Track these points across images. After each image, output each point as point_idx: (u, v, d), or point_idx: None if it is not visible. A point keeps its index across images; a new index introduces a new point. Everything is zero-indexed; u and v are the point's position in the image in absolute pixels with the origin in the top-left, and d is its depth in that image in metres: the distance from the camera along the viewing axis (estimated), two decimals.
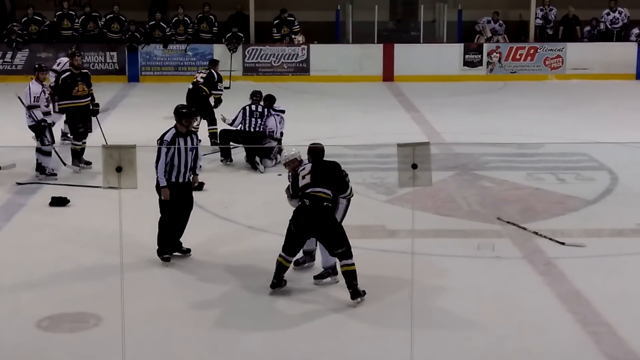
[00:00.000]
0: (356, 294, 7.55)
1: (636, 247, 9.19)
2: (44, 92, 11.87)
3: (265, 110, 12.68)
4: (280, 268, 7.77)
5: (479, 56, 21.60)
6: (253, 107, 12.66)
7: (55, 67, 13.77)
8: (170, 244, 8.63)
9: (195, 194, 11.02)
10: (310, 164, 7.90)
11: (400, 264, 8.69)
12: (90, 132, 12.38)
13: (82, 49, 20.85)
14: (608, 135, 14.73)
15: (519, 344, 6.88)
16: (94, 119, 12.45)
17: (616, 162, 12.65)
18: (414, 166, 5.53)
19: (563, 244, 9.14)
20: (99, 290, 7.91)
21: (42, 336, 7.02)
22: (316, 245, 8.15)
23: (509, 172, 12.25)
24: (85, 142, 12.26)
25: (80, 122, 12.18)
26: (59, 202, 10.72)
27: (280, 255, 7.78)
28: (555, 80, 21.43)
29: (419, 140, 5.98)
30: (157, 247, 8.62)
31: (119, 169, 4.89)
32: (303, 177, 7.82)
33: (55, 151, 12.09)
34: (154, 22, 21.48)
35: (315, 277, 8.05)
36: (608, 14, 22.11)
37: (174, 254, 8.68)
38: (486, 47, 21.60)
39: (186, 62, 21.27)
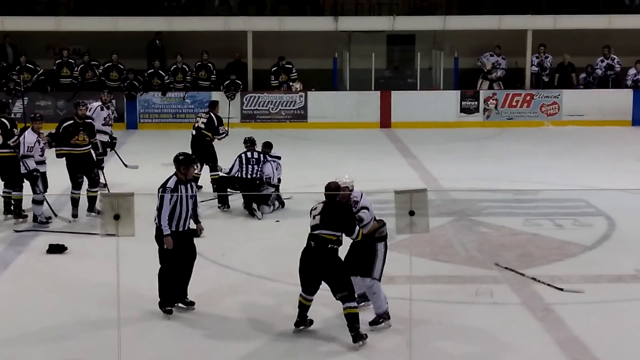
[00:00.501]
0: (358, 337, 7.56)
1: (635, 293, 9.17)
2: (39, 142, 11.93)
3: (261, 156, 12.73)
4: (302, 307, 7.89)
5: (476, 103, 21.74)
6: (249, 154, 12.72)
7: (87, 112, 13.04)
8: (172, 295, 8.44)
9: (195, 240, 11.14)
10: (322, 204, 7.87)
11: (398, 309, 8.69)
12: (99, 179, 12.54)
13: (81, 97, 20.99)
14: (605, 181, 14.78)
15: None
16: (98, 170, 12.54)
17: (614, 208, 12.67)
18: (412, 213, 5.56)
19: (561, 289, 9.12)
20: (95, 342, 7.85)
21: None
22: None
23: (507, 218, 12.27)
24: (96, 191, 12.15)
25: (80, 171, 12.19)
26: (56, 249, 10.71)
27: (300, 295, 7.90)
28: (551, 127, 21.53)
29: (417, 187, 6.00)
30: (158, 299, 8.47)
31: (116, 217, 4.91)
32: (314, 217, 7.79)
33: (47, 201, 12.06)
34: (152, 70, 21.64)
35: (370, 323, 8.04)
36: (602, 61, 22.30)
37: (178, 305, 8.49)
38: (483, 94, 21.75)
39: (184, 109, 21.40)
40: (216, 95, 21.26)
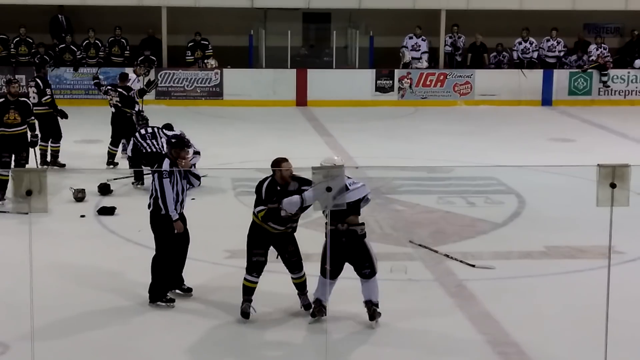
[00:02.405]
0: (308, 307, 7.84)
1: (544, 269, 9.42)
2: None
3: (156, 130, 12.63)
4: (249, 290, 7.84)
5: (391, 82, 21.90)
6: (142, 130, 12.64)
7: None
8: (169, 282, 8.12)
9: (107, 218, 11.03)
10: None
11: (313, 287, 8.75)
12: (26, 162, 11.80)
13: None
14: (516, 159, 15.10)
15: None
16: (31, 150, 12.02)
17: (524, 186, 12.97)
18: (328, 189, 5.59)
19: (473, 266, 9.32)
20: (5, 318, 7.72)
21: None
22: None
23: (421, 196, 12.44)
24: (6, 175, 11.57)
25: (7, 151, 11.62)
26: None
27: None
28: (464, 106, 21.85)
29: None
30: (148, 293, 8.08)
31: (28, 193, 4.79)
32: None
33: None
34: (64, 45, 21.19)
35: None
36: (520, 44, 22.70)
37: (175, 291, 8.21)
38: (397, 73, 21.90)
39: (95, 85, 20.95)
40: (130, 72, 20.96)
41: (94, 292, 8.43)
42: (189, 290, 8.29)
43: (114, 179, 12.71)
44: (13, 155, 11.69)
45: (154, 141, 12.47)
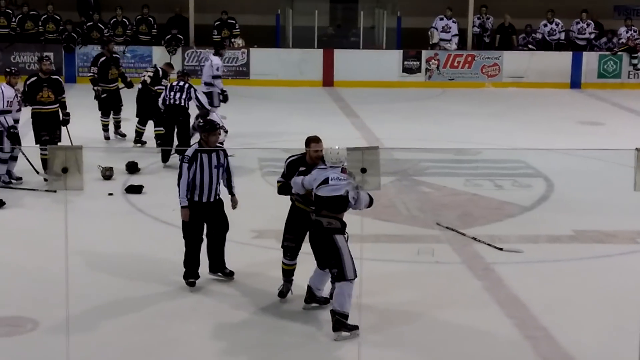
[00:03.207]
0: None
1: (572, 253, 9.35)
2: (17, 97, 11.38)
3: (187, 85, 12.80)
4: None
5: (418, 63, 21.79)
6: (174, 83, 12.93)
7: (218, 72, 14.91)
8: (195, 267, 7.99)
9: (135, 197, 11.07)
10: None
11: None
12: (59, 141, 11.78)
13: (18, 49, 20.67)
14: (543, 142, 15.00)
15: (459, 348, 6.96)
16: (63, 128, 11.97)
17: (552, 169, 12.86)
18: (363, 170, 5.53)
19: (501, 249, 9.26)
20: (36, 294, 7.78)
21: None
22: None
23: (448, 178, 12.38)
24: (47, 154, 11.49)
25: (44, 129, 11.62)
26: None
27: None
28: (492, 88, 21.71)
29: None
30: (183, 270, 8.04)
31: (64, 170, 4.79)
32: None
33: (27, 159, 11.79)
34: (91, 22, 21.24)
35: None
36: (545, 25, 22.49)
37: (218, 274, 8.14)
38: (425, 54, 21.79)
39: (124, 63, 20.90)
40: (157, 50, 21.05)
41: (123, 271, 8.47)
42: (231, 274, 8.15)
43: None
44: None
45: (178, 94, 12.66)
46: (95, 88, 14.40)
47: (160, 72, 13.93)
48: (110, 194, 11.19)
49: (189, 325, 7.24)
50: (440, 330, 7.29)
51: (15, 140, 11.39)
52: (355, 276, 7.05)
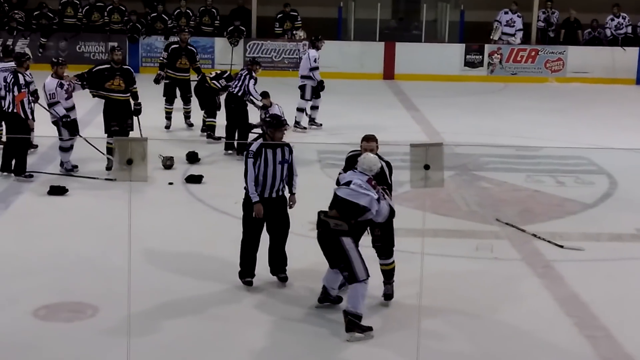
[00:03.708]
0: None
1: (634, 252, 9.19)
2: (62, 86, 11.51)
3: (244, 72, 13.06)
4: None
5: (480, 57, 21.60)
6: (239, 71, 13.31)
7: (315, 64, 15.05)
8: (252, 265, 7.84)
9: (195, 186, 11.16)
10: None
11: (400, 262, 8.71)
12: (132, 129, 11.87)
13: (83, 39, 20.99)
14: (607, 139, 14.74)
15: (517, 346, 6.89)
16: (135, 118, 12.00)
17: (615, 166, 12.64)
18: (427, 167, 5.48)
19: (562, 247, 9.14)
20: (96, 281, 7.90)
21: (38, 325, 7.00)
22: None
23: (508, 174, 12.25)
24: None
25: (115, 118, 11.66)
26: (57, 191, 10.73)
27: None
28: (555, 83, 21.43)
29: (432, 141, 5.91)
30: (238, 269, 7.91)
31: (129, 162, 4.84)
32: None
33: (92, 144, 11.92)
34: (155, 14, 21.47)
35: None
36: (612, 20, 22.09)
37: (278, 275, 7.94)
38: (487, 48, 21.58)
39: (196, 59, 21.16)
40: (219, 42, 21.19)
41: (182, 260, 8.54)
42: (284, 279, 7.95)
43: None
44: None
45: (237, 82, 12.96)
46: (159, 72, 14.55)
47: (225, 74, 13.93)
48: (171, 183, 11.30)
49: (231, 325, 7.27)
50: (498, 328, 7.21)
51: (72, 128, 11.58)
52: (368, 276, 6.95)
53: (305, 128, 15.10)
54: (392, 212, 7.25)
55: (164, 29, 21.29)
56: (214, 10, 21.85)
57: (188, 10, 21.67)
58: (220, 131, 13.38)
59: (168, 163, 11.98)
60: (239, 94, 12.88)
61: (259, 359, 6.62)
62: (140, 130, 12.30)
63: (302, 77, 15.17)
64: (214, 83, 13.59)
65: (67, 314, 7.22)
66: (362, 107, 17.59)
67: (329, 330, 7.05)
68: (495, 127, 15.76)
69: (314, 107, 15.35)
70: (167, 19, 21.41)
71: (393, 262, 7.65)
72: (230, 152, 12.88)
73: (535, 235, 9.45)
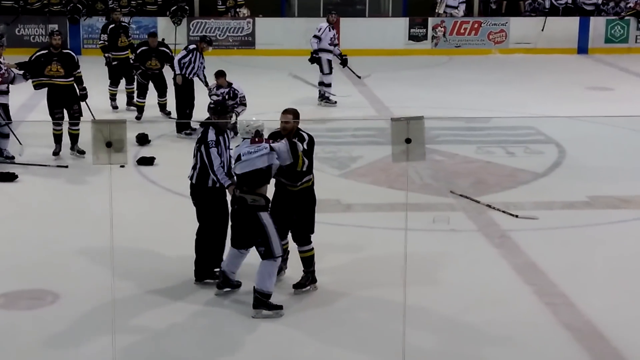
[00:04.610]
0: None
1: (587, 219, 9.35)
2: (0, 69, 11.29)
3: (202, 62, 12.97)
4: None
5: (424, 30, 21.67)
6: (199, 54, 12.95)
7: (317, 32, 15.34)
8: (214, 260, 7.55)
9: (147, 168, 11.06)
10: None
11: (357, 237, 8.76)
12: (80, 115, 11.57)
13: (22, 22, 20.58)
14: (552, 109, 14.93)
15: (479, 316, 6.96)
16: (82, 103, 11.72)
17: (563, 135, 12.82)
18: (408, 140, 5.49)
19: (516, 216, 9.25)
20: (53, 267, 7.80)
21: None
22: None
23: (459, 146, 12.34)
24: (77, 129, 11.51)
25: (59, 105, 11.43)
26: (6, 177, 10.54)
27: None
28: (498, 55, 21.60)
29: (413, 115, 5.85)
30: (194, 272, 7.55)
31: (109, 145, 4.76)
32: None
33: (11, 130, 11.56)
34: None
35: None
36: None
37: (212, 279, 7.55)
38: (431, 22, 21.66)
39: (129, 34, 20.87)
40: (162, 21, 20.94)
41: (139, 244, 8.45)
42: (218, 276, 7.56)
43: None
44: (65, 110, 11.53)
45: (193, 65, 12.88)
46: (106, 55, 14.39)
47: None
48: (122, 166, 11.14)
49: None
50: (460, 298, 7.29)
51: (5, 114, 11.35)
52: (282, 254, 6.93)
53: (335, 102, 15.33)
54: (292, 147, 6.99)
55: (105, 10, 20.95)
56: None
57: None
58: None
59: (93, 148, 11.76)
60: (190, 75, 12.78)
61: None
62: (91, 113, 12.11)
63: (315, 51, 15.37)
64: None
65: (27, 302, 7.12)
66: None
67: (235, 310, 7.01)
68: (442, 99, 15.85)
69: (325, 84, 15.45)
70: None
71: (311, 249, 7.39)
72: (182, 134, 12.75)
73: (489, 206, 9.55)
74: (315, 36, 15.40)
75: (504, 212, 9.37)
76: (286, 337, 6.62)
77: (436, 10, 21.88)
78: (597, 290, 7.48)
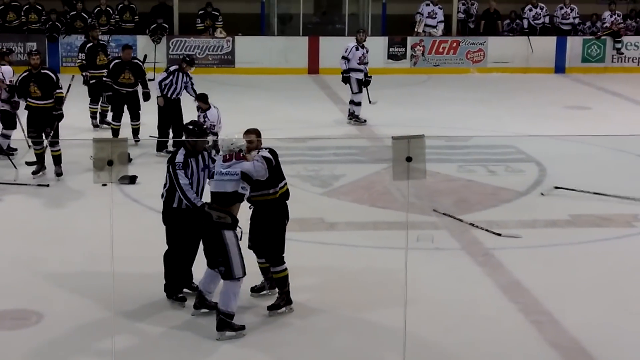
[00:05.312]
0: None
1: (570, 237, 9.40)
2: None
3: (188, 79, 13.01)
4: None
5: (403, 49, 21.77)
6: (181, 74, 12.97)
7: (344, 53, 15.41)
8: (181, 279, 7.57)
9: (129, 187, 11.02)
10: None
11: (341, 255, 8.77)
12: (48, 137, 11.44)
13: (0, 40, 20.45)
14: (531, 127, 15.02)
15: (464, 335, 6.98)
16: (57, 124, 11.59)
17: (543, 154, 12.91)
18: (409, 159, 5.52)
19: (499, 235, 9.29)
20: (39, 287, 7.73)
21: None
22: None
23: (440, 164, 12.38)
24: (57, 149, 11.46)
25: (32, 125, 11.37)
26: None
27: None
28: (477, 74, 21.72)
29: (414, 134, 5.88)
30: (164, 284, 7.56)
31: (109, 163, 4.73)
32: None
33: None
34: (75, 12, 21.06)
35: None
36: (530, 10, 22.53)
37: (184, 290, 7.59)
38: (410, 40, 21.77)
39: (109, 52, 20.82)
40: (142, 39, 20.91)
41: (124, 262, 8.38)
42: (196, 288, 7.48)
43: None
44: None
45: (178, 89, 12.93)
46: (84, 74, 14.34)
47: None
48: (104, 185, 11.08)
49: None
50: (445, 316, 7.31)
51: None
52: (244, 274, 6.87)
53: (365, 121, 15.27)
54: (267, 162, 7.10)
55: (84, 28, 20.88)
56: (133, 6, 21.56)
57: (108, 8, 21.29)
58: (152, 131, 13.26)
59: (94, 166, 11.73)
60: (172, 95, 12.77)
61: None
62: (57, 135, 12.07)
63: (344, 70, 15.36)
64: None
65: (10, 322, 7.06)
66: (289, 101, 17.60)
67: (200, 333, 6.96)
68: (423, 118, 15.90)
69: (355, 103, 15.42)
70: (86, 17, 21.01)
71: (284, 270, 7.32)
72: (163, 152, 12.71)
73: (472, 224, 9.59)
74: (343, 57, 15.42)
75: (487, 230, 9.42)
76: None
77: (415, 30, 22.00)
78: (581, 307, 7.52)
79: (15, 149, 12.27)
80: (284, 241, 7.35)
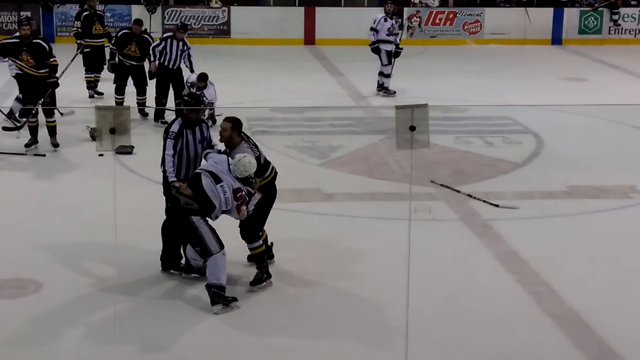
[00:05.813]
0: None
1: (567, 208, 9.41)
2: None
3: (186, 47, 12.92)
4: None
5: (400, 20, 21.63)
6: (175, 41, 12.80)
7: (372, 25, 15.23)
8: (177, 252, 7.55)
9: (126, 157, 10.99)
10: None
11: (339, 226, 8.77)
12: (54, 106, 11.42)
13: None
14: (528, 99, 14.95)
15: (462, 305, 6.99)
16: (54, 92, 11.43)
17: (540, 125, 12.90)
18: (412, 128, 5.49)
19: (497, 206, 9.29)
20: (37, 257, 7.72)
21: None
22: None
23: (438, 136, 12.31)
24: (52, 120, 11.35)
25: (29, 95, 11.18)
26: None
27: None
28: (473, 45, 21.66)
29: (417, 103, 5.84)
30: (160, 261, 7.52)
31: (112, 131, 4.68)
32: None
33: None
34: None
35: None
36: None
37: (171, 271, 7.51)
38: (406, 12, 21.67)
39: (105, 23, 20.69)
40: (136, 9, 20.78)
41: (119, 233, 8.36)
42: (182, 269, 7.50)
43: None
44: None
45: (175, 56, 12.80)
46: (79, 41, 14.25)
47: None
48: (101, 155, 11.06)
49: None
50: (443, 287, 7.31)
51: None
52: (222, 247, 6.81)
53: (394, 92, 15.18)
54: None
55: None
56: None
57: None
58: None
59: (96, 134, 11.70)
60: (170, 64, 12.69)
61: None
62: (58, 111, 12.00)
63: (373, 42, 15.19)
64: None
65: (9, 291, 7.05)
66: (286, 72, 17.53)
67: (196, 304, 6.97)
68: (420, 89, 15.85)
69: (384, 74, 15.31)
70: None
71: (260, 246, 7.27)
72: (159, 122, 12.67)
73: (470, 196, 9.58)
74: (371, 28, 15.26)
75: (484, 201, 9.41)
76: (274, 327, 6.62)
77: (412, 0, 21.89)
78: (578, 278, 7.53)
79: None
80: (264, 220, 7.28)
